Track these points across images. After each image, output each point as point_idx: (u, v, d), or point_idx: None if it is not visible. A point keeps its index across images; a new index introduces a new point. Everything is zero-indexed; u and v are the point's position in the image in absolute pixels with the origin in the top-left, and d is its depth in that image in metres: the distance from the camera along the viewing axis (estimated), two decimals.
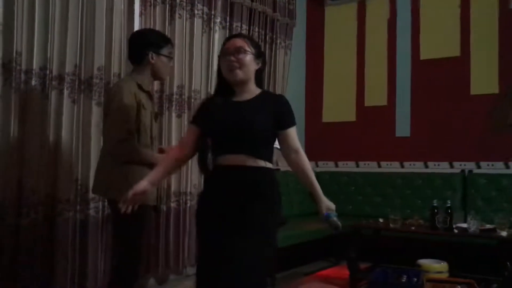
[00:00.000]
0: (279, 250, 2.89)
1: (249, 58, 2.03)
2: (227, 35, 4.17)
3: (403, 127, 5.08)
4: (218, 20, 4.17)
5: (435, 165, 4.91)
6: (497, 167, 4.57)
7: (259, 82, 2.13)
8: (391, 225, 3.74)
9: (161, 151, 2.62)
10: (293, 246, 3.79)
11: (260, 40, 4.65)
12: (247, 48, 2.04)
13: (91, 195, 3.02)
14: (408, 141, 5.05)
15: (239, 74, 2.02)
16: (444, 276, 3.49)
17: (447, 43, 4.88)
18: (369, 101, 5.32)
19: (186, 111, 3.82)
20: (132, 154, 2.34)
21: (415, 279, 3.25)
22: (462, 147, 4.75)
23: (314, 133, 5.43)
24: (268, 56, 4.75)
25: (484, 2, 4.73)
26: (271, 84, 4.83)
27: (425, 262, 3.59)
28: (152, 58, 2.48)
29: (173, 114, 3.72)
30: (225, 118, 2.00)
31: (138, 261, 2.43)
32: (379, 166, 5.25)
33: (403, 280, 3.29)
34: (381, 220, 3.89)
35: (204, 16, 4.04)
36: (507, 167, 4.56)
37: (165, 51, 2.53)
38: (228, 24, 4.31)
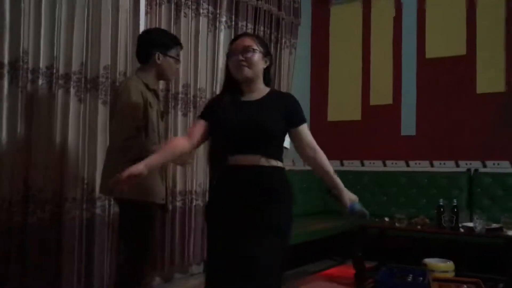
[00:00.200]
0: None
1: (257, 56, 2.03)
2: (232, 34, 4.18)
3: (408, 126, 5.07)
4: (223, 19, 4.17)
5: (440, 164, 4.90)
6: (503, 166, 4.55)
7: (267, 80, 2.13)
8: (397, 224, 3.73)
9: None
10: (298, 245, 3.79)
11: (265, 39, 4.65)
12: (255, 47, 2.03)
13: (97, 194, 3.03)
14: (414, 140, 5.04)
15: (248, 72, 2.02)
16: (450, 275, 3.48)
17: (453, 41, 4.86)
18: (374, 100, 5.31)
19: (191, 109, 3.83)
20: (141, 151, 2.33)
21: (421, 278, 3.23)
22: (467, 146, 4.73)
23: (319, 132, 5.34)
24: (273, 55, 4.75)
25: (490, 0, 4.71)
26: (276, 83, 4.83)
27: (431, 261, 3.58)
28: (159, 59, 2.47)
29: (179, 113, 3.73)
30: (236, 118, 1.99)
31: (145, 260, 2.42)
32: (385, 165, 5.24)
33: (409, 279, 3.28)
34: (386, 219, 3.89)
35: (210, 15, 4.05)
36: None
37: (172, 52, 2.52)
38: (233, 23, 4.31)
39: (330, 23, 5.66)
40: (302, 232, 3.93)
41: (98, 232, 3.08)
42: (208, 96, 3.99)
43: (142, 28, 3.41)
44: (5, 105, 2.65)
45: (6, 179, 2.65)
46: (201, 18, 3.92)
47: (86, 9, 3.03)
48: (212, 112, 2.07)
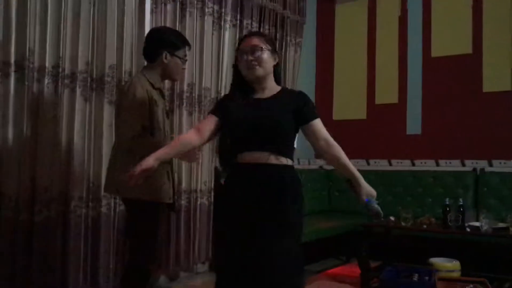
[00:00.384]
0: None
1: (266, 55, 2.05)
2: (237, 33, 4.18)
3: (414, 125, 5.05)
4: (228, 18, 4.17)
5: (446, 163, 4.87)
6: (509, 165, 4.52)
7: (277, 77, 2.15)
8: (402, 223, 3.72)
9: None
10: (304, 244, 3.77)
11: None
12: (263, 46, 2.04)
13: (103, 192, 3.03)
14: (419, 139, 5.02)
15: (260, 71, 2.03)
16: (456, 275, 3.46)
17: (459, 40, 4.83)
18: (379, 99, 5.28)
19: (196, 108, 3.83)
20: (148, 149, 2.31)
21: (427, 278, 3.22)
22: (473, 145, 4.70)
23: None
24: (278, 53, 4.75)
25: None
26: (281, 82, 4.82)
27: (437, 260, 3.56)
28: (166, 58, 2.46)
29: (184, 112, 3.73)
30: (248, 116, 2.00)
31: (151, 259, 2.42)
32: (390, 164, 5.22)
33: (415, 279, 3.27)
34: (392, 218, 3.87)
35: (215, 14, 4.05)
36: None
37: (180, 53, 2.51)
38: (238, 22, 4.30)
39: (335, 22, 5.64)
40: (307, 231, 3.91)
41: (104, 230, 3.09)
42: (213, 95, 4.00)
43: (147, 27, 3.41)
44: (11, 104, 2.66)
45: (13, 178, 2.66)
46: (206, 17, 3.92)
47: (91, 8, 3.04)
48: (225, 110, 2.07)
